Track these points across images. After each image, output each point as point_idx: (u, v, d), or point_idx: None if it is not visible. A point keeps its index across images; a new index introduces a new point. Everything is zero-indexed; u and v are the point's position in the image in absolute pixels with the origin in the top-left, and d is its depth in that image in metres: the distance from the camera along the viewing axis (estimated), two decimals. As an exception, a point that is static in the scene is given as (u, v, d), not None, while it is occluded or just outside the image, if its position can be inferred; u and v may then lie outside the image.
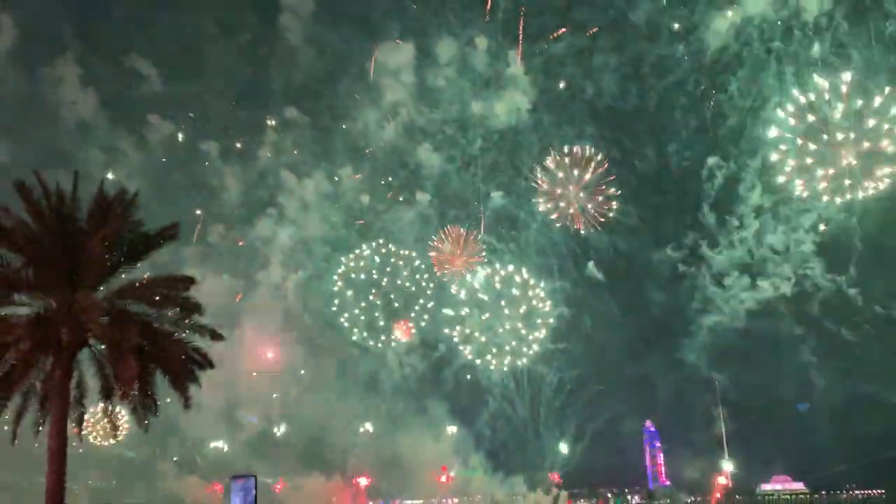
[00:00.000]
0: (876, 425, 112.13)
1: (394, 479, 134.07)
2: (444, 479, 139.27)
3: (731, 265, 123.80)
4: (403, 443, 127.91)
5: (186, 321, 27.59)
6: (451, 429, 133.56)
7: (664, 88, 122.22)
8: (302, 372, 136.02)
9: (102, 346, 26.63)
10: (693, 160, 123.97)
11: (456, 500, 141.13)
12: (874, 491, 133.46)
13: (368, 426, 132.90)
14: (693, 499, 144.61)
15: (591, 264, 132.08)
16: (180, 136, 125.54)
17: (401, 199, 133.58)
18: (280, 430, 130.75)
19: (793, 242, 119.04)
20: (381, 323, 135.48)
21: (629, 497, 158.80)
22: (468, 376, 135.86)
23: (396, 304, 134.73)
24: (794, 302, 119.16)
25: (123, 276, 27.47)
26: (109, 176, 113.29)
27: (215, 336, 29.04)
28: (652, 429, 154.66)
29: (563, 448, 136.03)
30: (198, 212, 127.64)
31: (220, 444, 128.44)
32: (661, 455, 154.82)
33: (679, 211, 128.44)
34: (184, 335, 27.55)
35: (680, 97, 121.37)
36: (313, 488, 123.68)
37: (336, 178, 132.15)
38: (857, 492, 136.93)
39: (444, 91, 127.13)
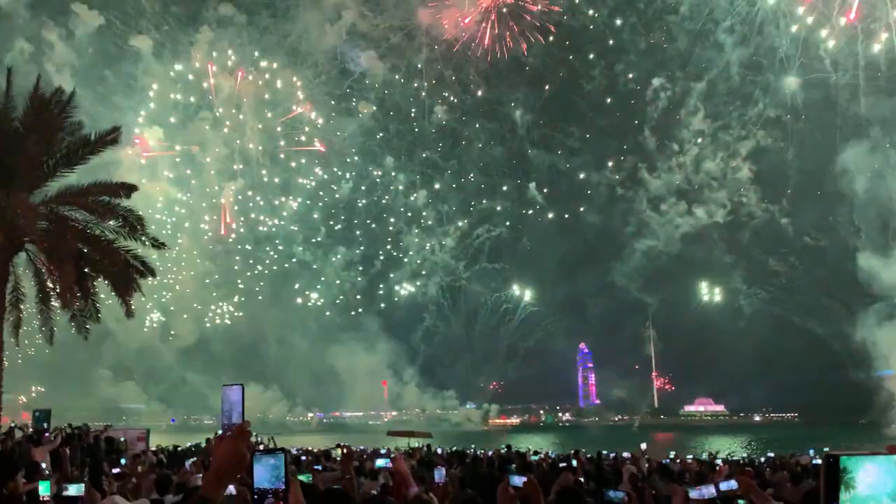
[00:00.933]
0: (796, 353, 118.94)
1: (330, 391, 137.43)
2: (385, 395, 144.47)
3: (667, 190, 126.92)
4: (337, 356, 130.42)
5: (126, 229, 27.48)
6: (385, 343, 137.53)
7: (615, 6, 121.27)
8: (239, 284, 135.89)
9: (39, 253, 26.50)
10: (639, 82, 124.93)
11: (394, 413, 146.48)
12: (788, 415, 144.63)
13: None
14: (620, 417, 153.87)
15: (531, 185, 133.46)
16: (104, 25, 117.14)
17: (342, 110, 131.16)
18: (213, 340, 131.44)
19: (730, 170, 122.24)
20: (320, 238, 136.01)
21: (560, 414, 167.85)
22: (403, 292, 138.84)
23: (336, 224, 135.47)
24: (728, 229, 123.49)
25: (61, 180, 26.98)
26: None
27: (157, 244, 29.12)
28: (585, 350, 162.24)
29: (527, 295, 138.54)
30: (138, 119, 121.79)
31: (154, 352, 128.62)
32: (593, 375, 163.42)
33: (621, 133, 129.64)
34: (124, 243, 27.48)
35: (630, 16, 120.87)
36: (250, 399, 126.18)
37: (277, 84, 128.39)
38: (772, 415, 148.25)
39: None
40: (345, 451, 11.73)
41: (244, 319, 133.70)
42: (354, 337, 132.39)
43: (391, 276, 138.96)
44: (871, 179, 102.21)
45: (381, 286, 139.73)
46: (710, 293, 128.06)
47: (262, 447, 5.99)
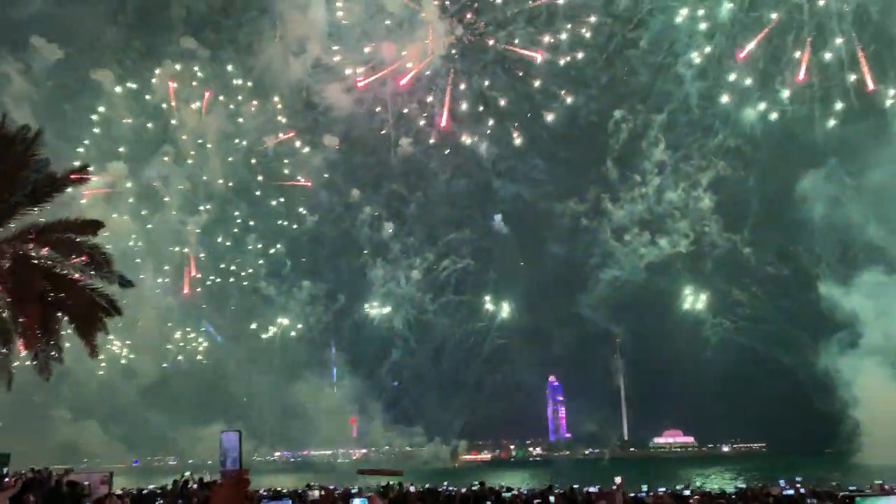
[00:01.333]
0: (762, 383, 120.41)
1: (295, 429, 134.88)
2: (354, 433, 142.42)
3: (631, 221, 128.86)
4: (301, 392, 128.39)
5: (92, 267, 27.20)
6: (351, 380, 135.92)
7: (576, 41, 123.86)
8: (204, 324, 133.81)
9: (2, 293, 26.04)
10: (601, 114, 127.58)
11: (363, 451, 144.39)
12: (756, 445, 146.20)
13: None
14: (591, 450, 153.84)
15: (497, 217, 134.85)
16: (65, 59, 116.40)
17: (307, 142, 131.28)
18: (175, 378, 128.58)
19: (692, 200, 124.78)
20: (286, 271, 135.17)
21: (531, 448, 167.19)
22: (372, 326, 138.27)
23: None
24: (691, 259, 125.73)
25: (24, 218, 26.67)
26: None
27: (124, 283, 28.83)
28: (555, 383, 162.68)
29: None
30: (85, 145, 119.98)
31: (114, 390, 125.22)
32: (563, 408, 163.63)
33: (584, 165, 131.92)
34: (90, 281, 27.17)
35: (593, 52, 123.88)
36: (213, 439, 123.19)
37: (239, 119, 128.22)
38: (740, 445, 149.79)
39: (354, 29, 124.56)
40: (323, 492, 11.81)
41: (206, 356, 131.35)
42: (319, 372, 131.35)
43: (356, 309, 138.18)
44: (829, 206, 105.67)
45: (346, 320, 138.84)
46: (693, 301, 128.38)
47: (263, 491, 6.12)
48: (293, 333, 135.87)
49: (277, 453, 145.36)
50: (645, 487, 41.99)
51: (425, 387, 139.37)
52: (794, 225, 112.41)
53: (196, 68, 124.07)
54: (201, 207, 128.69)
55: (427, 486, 36.30)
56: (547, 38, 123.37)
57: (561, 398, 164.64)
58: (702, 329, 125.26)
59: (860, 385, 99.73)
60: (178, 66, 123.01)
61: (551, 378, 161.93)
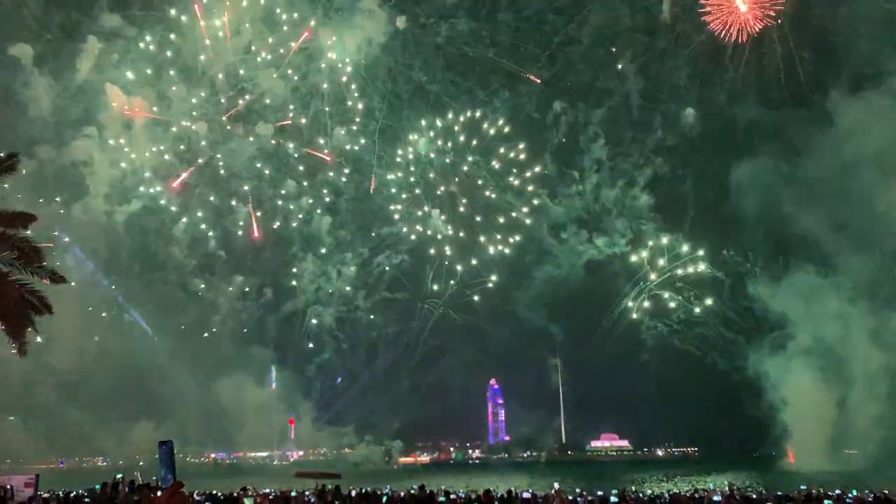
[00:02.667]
0: (696, 386, 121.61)
1: (227, 429, 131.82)
2: (292, 434, 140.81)
3: (569, 218, 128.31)
4: (230, 390, 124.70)
5: (23, 262, 26.73)
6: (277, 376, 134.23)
7: (518, 32, 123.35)
8: (126, 316, 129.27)
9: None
10: (541, 111, 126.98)
11: (301, 453, 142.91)
12: (688, 449, 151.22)
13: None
14: (529, 453, 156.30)
15: (436, 212, 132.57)
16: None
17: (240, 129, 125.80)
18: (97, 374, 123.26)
19: (629, 198, 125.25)
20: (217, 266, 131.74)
21: (470, 451, 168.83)
22: (305, 323, 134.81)
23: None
24: (628, 258, 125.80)
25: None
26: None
27: (56, 278, 28.40)
28: (496, 386, 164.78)
29: None
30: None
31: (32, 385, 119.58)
32: (503, 412, 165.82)
33: (523, 160, 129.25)
34: (20, 276, 26.67)
35: (535, 49, 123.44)
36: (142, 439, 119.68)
37: (168, 102, 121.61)
38: (673, 449, 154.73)
39: (289, 13, 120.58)
40: (258, 498, 12.15)
41: (130, 351, 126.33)
42: (247, 370, 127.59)
43: (286, 305, 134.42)
44: (761, 196, 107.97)
45: (275, 316, 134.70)
46: (636, 307, 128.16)
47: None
48: (215, 330, 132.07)
49: (213, 454, 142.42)
50: (578, 490, 43.56)
51: (358, 387, 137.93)
52: (728, 222, 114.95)
53: (120, 47, 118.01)
54: (128, 190, 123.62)
55: (364, 489, 36.67)
56: (487, 33, 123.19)
57: (500, 401, 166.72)
58: (638, 331, 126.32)
59: (789, 388, 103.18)
60: (100, 45, 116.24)
61: (492, 381, 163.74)
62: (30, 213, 28.30)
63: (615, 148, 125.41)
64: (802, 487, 38.12)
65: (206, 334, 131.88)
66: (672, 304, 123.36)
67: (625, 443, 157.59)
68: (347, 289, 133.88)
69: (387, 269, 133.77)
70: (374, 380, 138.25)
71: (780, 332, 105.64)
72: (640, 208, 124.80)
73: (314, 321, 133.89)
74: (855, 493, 38.52)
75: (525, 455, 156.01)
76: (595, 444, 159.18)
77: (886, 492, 37.37)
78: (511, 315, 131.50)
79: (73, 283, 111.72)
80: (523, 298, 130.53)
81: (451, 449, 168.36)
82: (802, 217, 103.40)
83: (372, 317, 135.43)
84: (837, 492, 36.43)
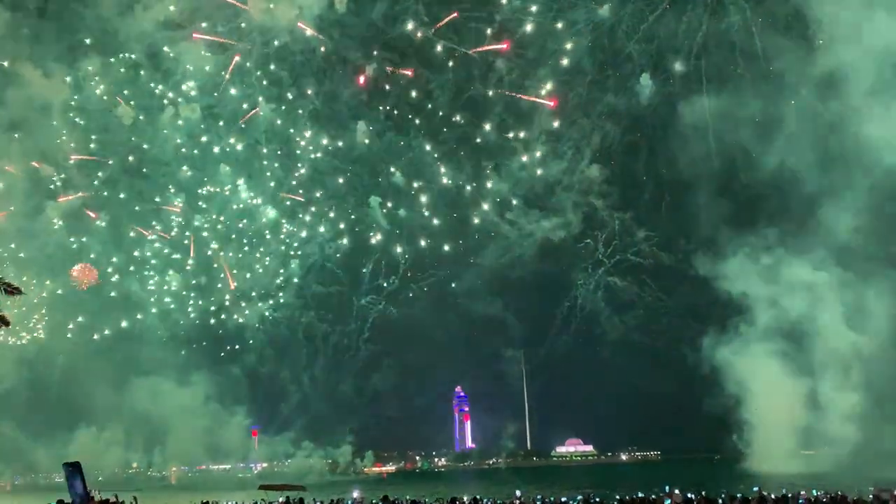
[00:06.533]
0: (657, 383, 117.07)
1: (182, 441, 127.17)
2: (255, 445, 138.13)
3: (514, 194, 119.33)
4: (164, 397, 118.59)
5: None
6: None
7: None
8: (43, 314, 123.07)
9: None
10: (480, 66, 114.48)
11: (265, 465, 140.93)
12: (652, 452, 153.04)
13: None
14: (494, 460, 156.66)
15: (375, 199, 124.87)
16: None
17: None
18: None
19: (579, 173, 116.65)
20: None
21: (436, 459, 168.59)
22: (237, 321, 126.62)
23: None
24: (578, 240, 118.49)
25: None
26: None
27: (11, 290, 27.99)
28: (462, 394, 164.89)
29: None
30: None
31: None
32: (469, 419, 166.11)
33: (463, 129, 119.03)
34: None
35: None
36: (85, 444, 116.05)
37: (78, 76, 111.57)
38: (637, 454, 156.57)
39: None
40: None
41: (52, 355, 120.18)
42: (186, 375, 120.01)
43: (222, 304, 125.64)
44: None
45: (212, 317, 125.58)
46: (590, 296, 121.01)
47: None
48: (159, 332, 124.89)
49: (174, 468, 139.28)
50: (539, 496, 44.05)
51: (304, 393, 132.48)
52: (680, 191, 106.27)
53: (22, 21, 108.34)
54: (52, 186, 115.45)
55: (333, 499, 36.68)
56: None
57: (467, 409, 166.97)
58: (597, 323, 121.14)
59: (749, 380, 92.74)
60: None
61: (458, 388, 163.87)
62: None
63: (565, 119, 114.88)
64: (754, 489, 38.90)
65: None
66: (628, 293, 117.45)
67: (589, 447, 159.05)
68: (279, 281, 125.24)
69: (325, 257, 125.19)
70: (326, 386, 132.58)
71: (738, 316, 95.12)
72: (591, 180, 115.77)
73: (238, 319, 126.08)
74: (815, 492, 39.22)
75: (491, 462, 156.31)
76: (560, 449, 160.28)
77: (841, 493, 38.00)
78: (453, 305, 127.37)
79: None
80: (471, 287, 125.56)
81: (418, 458, 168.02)
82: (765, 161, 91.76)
83: (305, 315, 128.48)
84: (784, 492, 37.16)
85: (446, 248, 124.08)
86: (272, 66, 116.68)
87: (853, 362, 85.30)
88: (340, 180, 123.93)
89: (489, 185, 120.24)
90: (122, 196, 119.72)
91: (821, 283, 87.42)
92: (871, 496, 33.09)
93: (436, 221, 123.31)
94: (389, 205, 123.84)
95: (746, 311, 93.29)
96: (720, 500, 37.29)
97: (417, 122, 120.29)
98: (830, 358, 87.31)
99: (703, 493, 42.24)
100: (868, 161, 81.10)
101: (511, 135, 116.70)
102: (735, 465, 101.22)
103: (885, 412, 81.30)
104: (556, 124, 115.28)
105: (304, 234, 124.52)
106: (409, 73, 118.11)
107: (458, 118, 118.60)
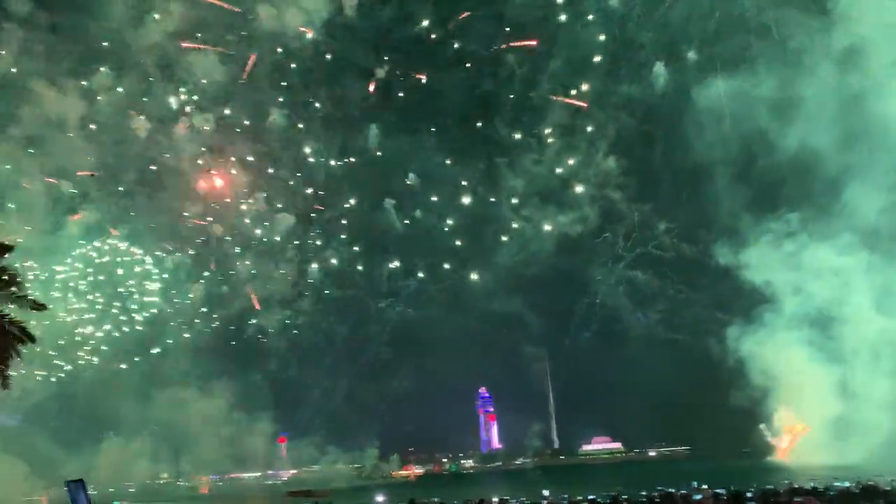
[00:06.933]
0: (684, 378, 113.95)
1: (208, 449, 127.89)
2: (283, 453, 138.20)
3: (529, 191, 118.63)
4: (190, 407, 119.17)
5: (3, 291, 26.67)
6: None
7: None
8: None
9: None
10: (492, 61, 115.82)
11: (293, 472, 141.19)
12: (680, 448, 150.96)
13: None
14: (522, 460, 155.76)
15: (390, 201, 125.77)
16: None
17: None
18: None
19: (594, 164, 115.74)
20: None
21: (463, 461, 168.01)
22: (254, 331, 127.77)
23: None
24: (596, 235, 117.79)
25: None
26: None
27: (37, 306, 28.32)
28: (486, 395, 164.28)
29: None
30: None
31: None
32: (494, 419, 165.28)
33: (472, 123, 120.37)
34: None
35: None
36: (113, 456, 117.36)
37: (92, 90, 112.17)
38: (665, 449, 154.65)
39: None
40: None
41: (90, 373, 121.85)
42: (209, 384, 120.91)
43: (242, 312, 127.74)
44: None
45: (233, 325, 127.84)
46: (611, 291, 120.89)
47: None
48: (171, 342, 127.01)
49: (204, 477, 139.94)
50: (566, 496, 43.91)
51: (327, 398, 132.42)
52: (699, 180, 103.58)
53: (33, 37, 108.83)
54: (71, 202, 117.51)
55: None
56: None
57: (492, 409, 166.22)
58: (619, 318, 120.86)
59: (776, 370, 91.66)
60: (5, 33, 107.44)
61: (482, 389, 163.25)
62: (7, 243, 28.23)
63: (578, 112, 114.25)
64: (784, 482, 38.43)
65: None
66: (650, 287, 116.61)
67: (617, 445, 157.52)
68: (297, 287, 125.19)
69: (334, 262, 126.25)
70: (345, 388, 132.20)
71: (763, 305, 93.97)
72: (607, 175, 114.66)
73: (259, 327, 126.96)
74: (846, 483, 38.67)
75: (519, 462, 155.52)
76: (587, 447, 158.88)
77: (872, 482, 37.47)
78: (479, 306, 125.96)
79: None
80: (489, 286, 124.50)
81: (445, 460, 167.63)
82: (785, 143, 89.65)
83: (324, 320, 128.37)
84: (813, 485, 36.67)
85: (462, 247, 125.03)
86: (283, 73, 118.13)
87: (884, 348, 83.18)
88: (354, 184, 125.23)
89: (504, 182, 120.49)
90: (140, 209, 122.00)
91: (847, 267, 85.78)
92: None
93: (450, 221, 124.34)
94: (404, 207, 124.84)
95: (771, 301, 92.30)
96: (748, 495, 36.94)
97: (429, 122, 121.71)
98: (861, 344, 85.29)
99: (732, 487, 41.82)
100: (892, 137, 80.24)
101: (523, 131, 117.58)
102: (764, 458, 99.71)
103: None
104: (570, 118, 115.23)
105: (319, 240, 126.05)
106: (421, 77, 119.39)
107: (470, 116, 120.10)
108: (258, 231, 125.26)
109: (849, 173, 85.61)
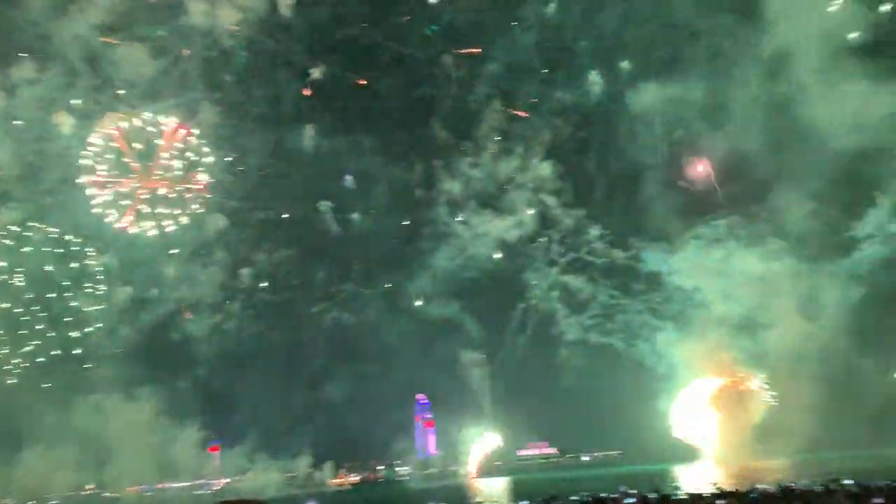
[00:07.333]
0: (616, 382, 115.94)
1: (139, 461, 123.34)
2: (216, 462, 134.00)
3: (467, 195, 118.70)
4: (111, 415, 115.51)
5: None
6: None
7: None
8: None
9: None
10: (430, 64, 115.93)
11: (225, 481, 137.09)
12: (612, 452, 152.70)
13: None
14: (456, 467, 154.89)
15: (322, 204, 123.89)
16: None
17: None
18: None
19: (531, 169, 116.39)
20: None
21: (398, 468, 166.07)
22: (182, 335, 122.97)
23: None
24: (535, 240, 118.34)
25: None
26: None
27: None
28: (424, 401, 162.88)
29: None
30: None
31: None
32: (432, 427, 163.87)
33: (410, 127, 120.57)
34: None
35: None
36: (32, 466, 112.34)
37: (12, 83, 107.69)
38: (598, 454, 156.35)
39: None
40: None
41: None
42: (137, 391, 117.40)
43: (169, 316, 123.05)
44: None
45: (158, 330, 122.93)
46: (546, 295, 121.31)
47: None
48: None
49: (130, 489, 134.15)
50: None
51: (258, 405, 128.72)
52: (631, 186, 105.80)
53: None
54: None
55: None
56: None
57: (429, 416, 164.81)
58: (553, 323, 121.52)
59: (705, 375, 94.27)
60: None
61: (419, 396, 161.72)
62: None
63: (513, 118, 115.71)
64: (715, 485, 38.57)
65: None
66: (583, 293, 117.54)
67: (553, 450, 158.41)
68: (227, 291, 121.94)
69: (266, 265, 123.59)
70: (279, 394, 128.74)
71: (693, 311, 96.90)
72: (542, 180, 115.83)
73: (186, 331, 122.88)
74: (767, 486, 39.11)
75: (454, 468, 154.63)
76: (522, 453, 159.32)
77: (793, 483, 37.90)
78: (416, 310, 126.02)
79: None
80: (426, 290, 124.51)
81: (380, 468, 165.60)
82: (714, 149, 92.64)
83: (255, 325, 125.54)
84: (736, 488, 36.89)
85: (399, 251, 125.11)
86: (215, 70, 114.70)
87: (806, 351, 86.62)
88: (288, 185, 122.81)
89: (441, 185, 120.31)
90: (63, 208, 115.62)
91: (773, 273, 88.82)
92: (819, 487, 32.89)
93: (387, 224, 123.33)
94: (340, 209, 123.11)
95: (701, 306, 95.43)
96: (674, 498, 36.93)
97: (366, 124, 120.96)
98: (784, 348, 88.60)
99: (660, 491, 41.86)
100: (818, 144, 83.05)
101: (461, 135, 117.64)
102: (692, 461, 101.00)
103: (838, 400, 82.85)
104: (506, 122, 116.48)
105: (251, 242, 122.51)
106: (361, 81, 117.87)
107: (407, 119, 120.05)
108: (188, 232, 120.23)
109: (776, 180, 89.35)
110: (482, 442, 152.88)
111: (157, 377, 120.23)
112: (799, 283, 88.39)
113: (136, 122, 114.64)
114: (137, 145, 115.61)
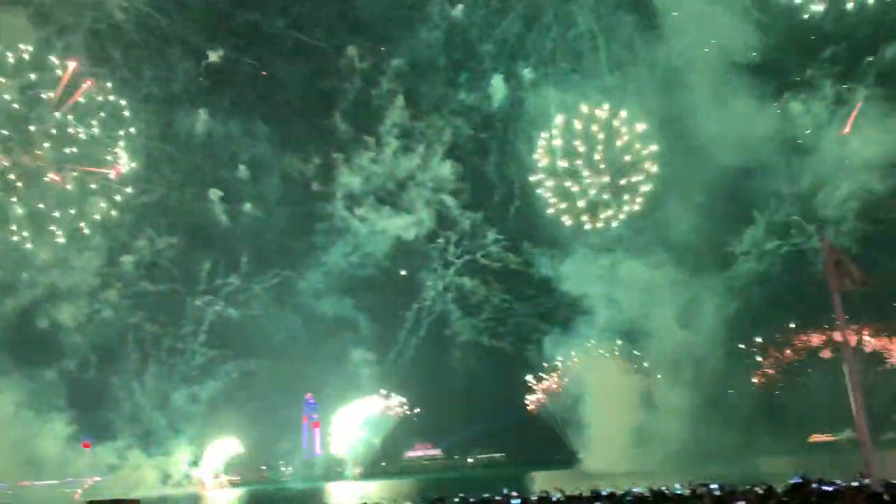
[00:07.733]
0: (505, 388, 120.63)
1: None
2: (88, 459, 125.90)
3: (365, 190, 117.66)
4: None
5: None
6: None
7: None
8: None
9: None
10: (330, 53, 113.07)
11: (98, 478, 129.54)
12: (497, 455, 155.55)
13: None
14: (344, 468, 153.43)
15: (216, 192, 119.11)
16: None
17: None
18: None
19: (431, 168, 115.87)
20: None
21: (284, 469, 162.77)
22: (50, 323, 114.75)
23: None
24: (430, 240, 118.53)
25: None
26: None
27: None
28: (312, 401, 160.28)
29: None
30: None
31: None
32: (318, 427, 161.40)
33: (310, 117, 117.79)
34: None
35: None
36: None
37: None
38: (482, 456, 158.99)
39: None
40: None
41: None
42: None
43: (34, 302, 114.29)
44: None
45: (21, 317, 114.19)
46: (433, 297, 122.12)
47: None
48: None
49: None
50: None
51: (133, 400, 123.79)
52: (527, 191, 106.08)
53: None
54: None
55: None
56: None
57: (316, 416, 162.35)
58: (448, 327, 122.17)
59: (587, 380, 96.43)
60: None
61: (308, 395, 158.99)
62: None
63: (416, 113, 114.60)
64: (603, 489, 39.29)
65: None
66: (475, 295, 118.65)
67: (437, 452, 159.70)
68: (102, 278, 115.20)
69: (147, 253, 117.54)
70: (149, 390, 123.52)
71: (580, 317, 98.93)
72: (443, 179, 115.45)
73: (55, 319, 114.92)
74: (639, 489, 40.15)
75: (340, 470, 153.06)
76: (410, 454, 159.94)
77: (664, 487, 39.04)
78: (307, 307, 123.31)
79: None
80: (318, 287, 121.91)
81: (263, 467, 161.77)
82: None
83: (133, 316, 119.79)
84: (611, 490, 37.72)
85: (291, 244, 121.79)
86: (101, 44, 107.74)
87: (684, 360, 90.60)
88: (176, 169, 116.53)
89: (339, 179, 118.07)
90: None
91: (656, 282, 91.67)
92: (687, 491, 34.07)
93: (281, 217, 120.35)
94: (231, 198, 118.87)
95: (587, 312, 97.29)
96: (553, 499, 37.52)
97: (264, 112, 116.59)
98: (663, 356, 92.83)
99: (540, 493, 42.49)
100: (707, 157, 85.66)
101: (362, 129, 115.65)
102: (573, 465, 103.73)
103: (711, 408, 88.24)
104: (408, 119, 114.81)
105: (132, 227, 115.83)
106: (263, 73, 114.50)
107: (307, 109, 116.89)
108: (61, 214, 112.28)
109: (665, 191, 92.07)
110: (369, 442, 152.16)
111: (21, 367, 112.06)
112: (678, 292, 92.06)
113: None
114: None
